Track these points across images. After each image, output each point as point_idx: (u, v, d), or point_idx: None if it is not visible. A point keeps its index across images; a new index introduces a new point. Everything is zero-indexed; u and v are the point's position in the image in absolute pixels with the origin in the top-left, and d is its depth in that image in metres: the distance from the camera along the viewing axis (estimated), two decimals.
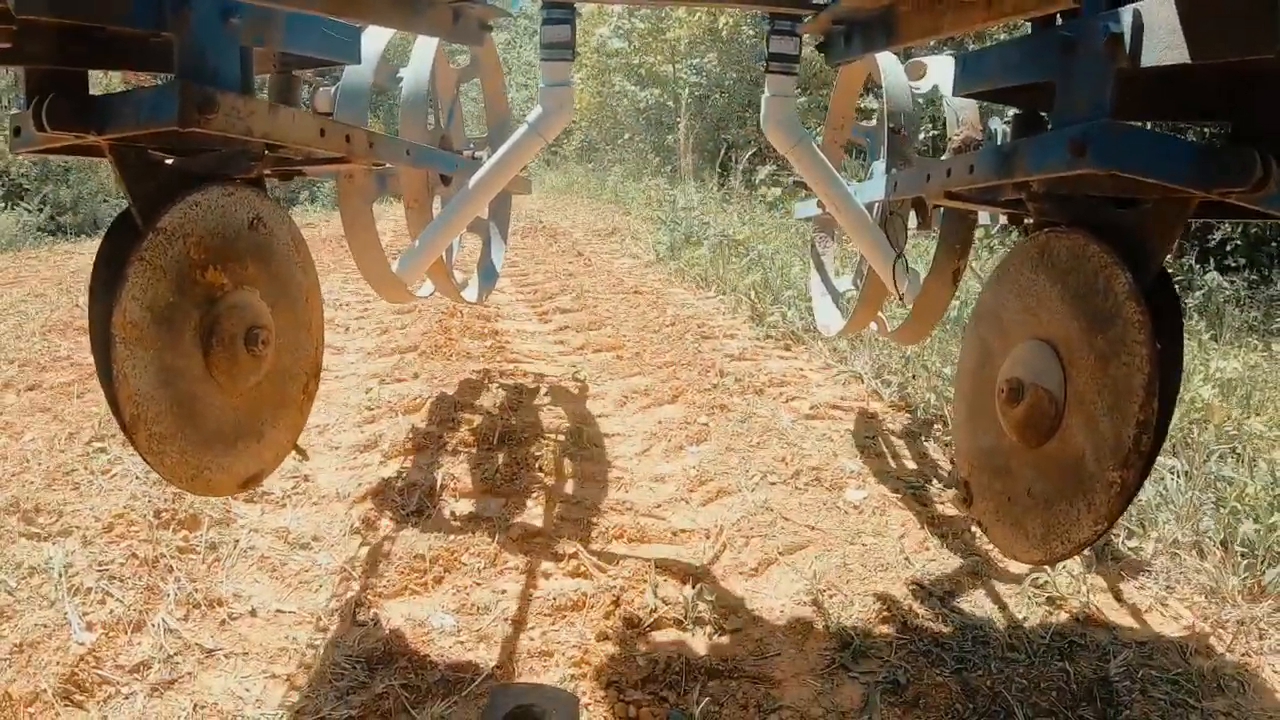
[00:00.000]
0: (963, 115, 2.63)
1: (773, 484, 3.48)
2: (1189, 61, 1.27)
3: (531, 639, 2.51)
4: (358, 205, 2.88)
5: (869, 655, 2.48)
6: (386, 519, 3.12)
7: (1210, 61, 1.24)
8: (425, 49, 3.01)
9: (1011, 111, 2.11)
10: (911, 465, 3.75)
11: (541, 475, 3.50)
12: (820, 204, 3.67)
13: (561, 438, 3.87)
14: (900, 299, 2.98)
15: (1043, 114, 1.93)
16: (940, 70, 2.98)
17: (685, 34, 14.92)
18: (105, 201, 14.88)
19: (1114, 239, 1.62)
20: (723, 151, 12.78)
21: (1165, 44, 1.28)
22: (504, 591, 2.73)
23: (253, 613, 2.59)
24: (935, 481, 3.51)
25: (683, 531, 3.14)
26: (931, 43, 4.11)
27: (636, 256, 9.39)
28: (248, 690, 2.28)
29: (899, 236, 3.00)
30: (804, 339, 5.65)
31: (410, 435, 3.74)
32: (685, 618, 2.59)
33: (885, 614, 2.65)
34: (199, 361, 1.78)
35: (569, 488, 3.45)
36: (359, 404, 4.21)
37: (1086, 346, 1.64)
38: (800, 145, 2.74)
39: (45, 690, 2.14)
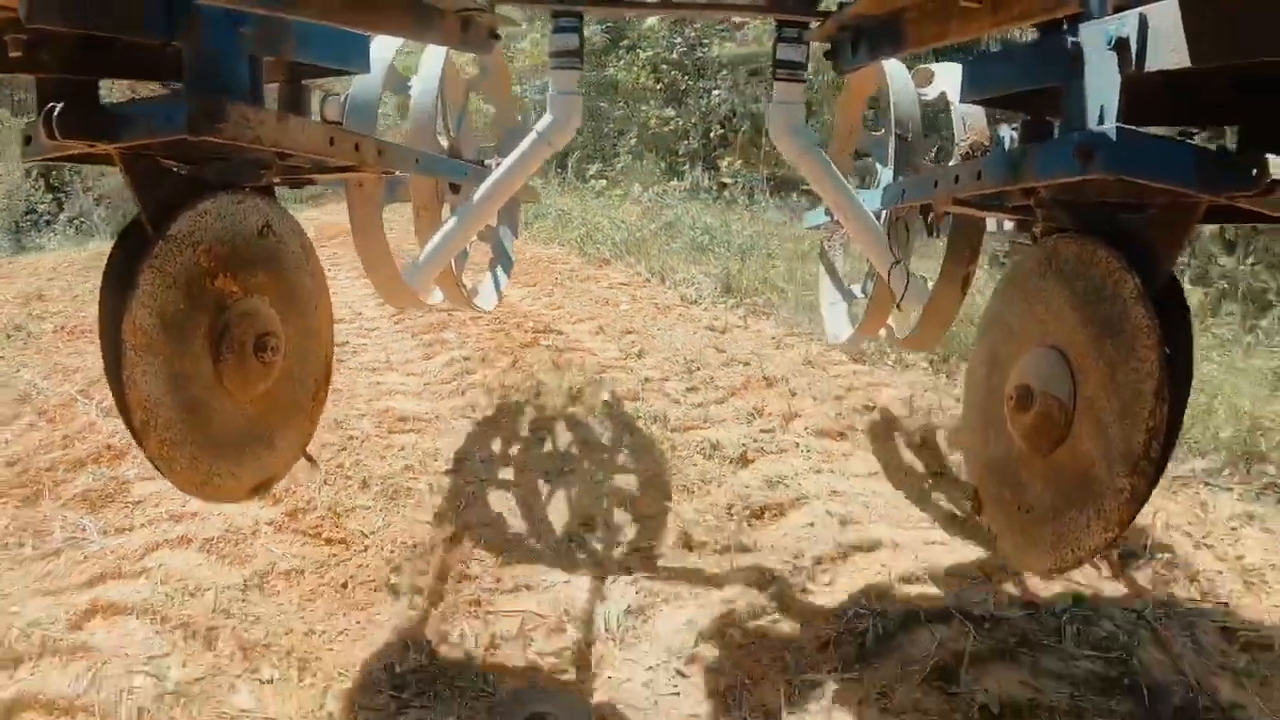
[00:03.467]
0: (969, 121, 2.63)
1: None
2: (1195, 65, 1.27)
3: None
4: (367, 213, 2.89)
5: None
6: None
7: (1217, 65, 1.24)
8: (434, 58, 3.03)
9: (1019, 117, 2.11)
10: None
11: None
12: (828, 211, 3.66)
13: None
14: (898, 306, 2.97)
15: (1050, 119, 1.93)
16: (948, 77, 2.97)
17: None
18: None
19: (1122, 244, 1.61)
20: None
21: (1171, 48, 1.28)
22: None
23: None
24: None
25: None
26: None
27: None
28: None
29: (905, 244, 2.99)
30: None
31: None
32: None
33: None
34: (209, 368, 1.79)
35: None
36: None
37: (1095, 352, 1.64)
38: (808, 153, 2.74)
39: None
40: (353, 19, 1.87)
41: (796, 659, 2.37)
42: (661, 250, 7.71)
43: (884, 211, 2.99)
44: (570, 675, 2.38)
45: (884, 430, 3.89)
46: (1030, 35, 1.80)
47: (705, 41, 10.52)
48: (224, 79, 1.65)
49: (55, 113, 1.51)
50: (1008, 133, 2.25)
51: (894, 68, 3.06)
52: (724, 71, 9.32)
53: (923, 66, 3.12)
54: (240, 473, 1.94)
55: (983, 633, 2.39)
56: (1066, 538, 1.70)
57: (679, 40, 10.58)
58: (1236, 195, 1.36)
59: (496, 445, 3.75)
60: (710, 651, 2.41)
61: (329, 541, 2.93)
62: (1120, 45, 1.36)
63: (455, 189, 3.20)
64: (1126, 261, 1.58)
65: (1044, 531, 1.77)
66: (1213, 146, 1.46)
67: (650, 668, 2.38)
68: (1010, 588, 2.63)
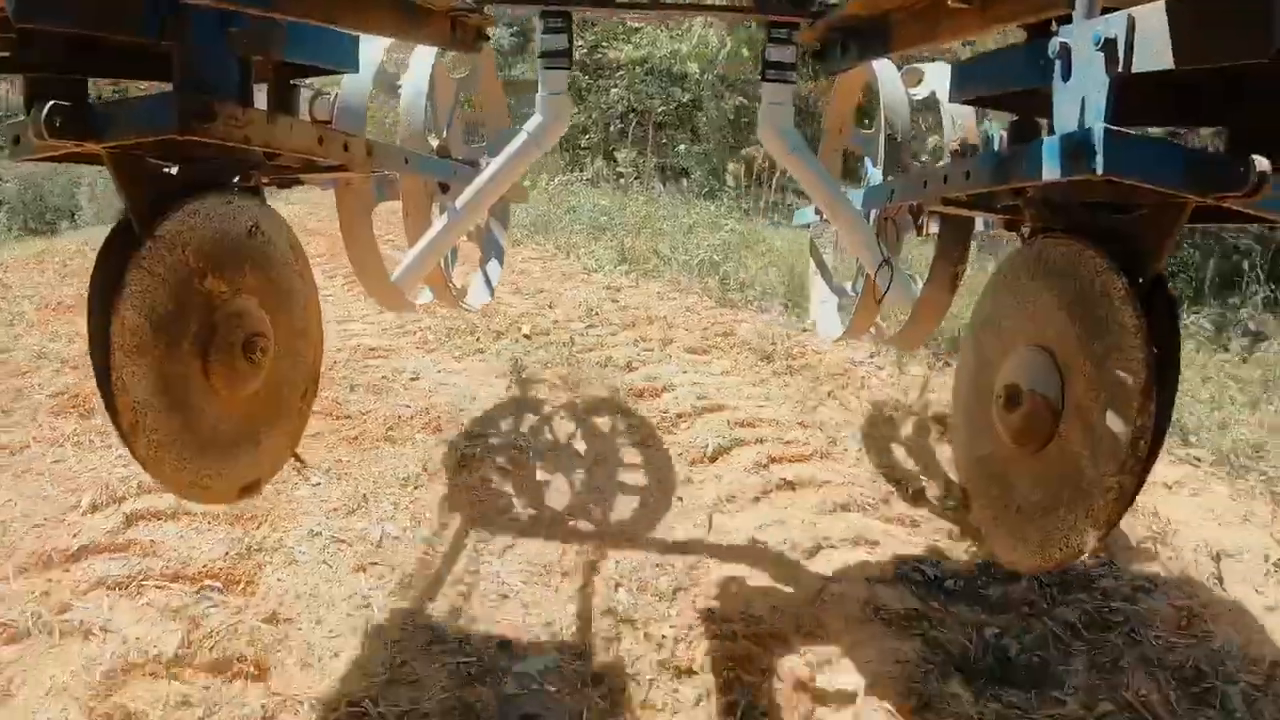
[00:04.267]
0: (959, 121, 2.64)
1: None
2: (1184, 67, 1.27)
3: None
4: (356, 212, 2.88)
5: None
6: None
7: (1205, 66, 1.25)
8: (424, 58, 3.02)
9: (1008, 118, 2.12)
10: None
11: None
12: (818, 210, 3.67)
13: None
14: (878, 301, 2.99)
15: (1039, 120, 1.93)
16: (937, 77, 2.99)
17: None
18: None
19: (1110, 244, 1.62)
20: None
21: (1160, 49, 1.29)
22: None
23: None
24: None
25: None
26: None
27: None
28: None
29: (893, 243, 3.00)
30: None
31: None
32: None
33: None
34: (197, 369, 1.78)
35: None
36: None
37: (1083, 352, 1.64)
38: (797, 153, 2.75)
39: None
40: (342, 19, 1.86)
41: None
42: (566, 230, 8.48)
43: (873, 211, 3.00)
44: None
45: (738, 344, 5.05)
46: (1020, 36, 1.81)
47: (604, 45, 10.89)
48: (213, 78, 1.64)
49: (44, 112, 1.50)
50: (996, 133, 2.26)
51: (883, 67, 3.07)
52: (621, 71, 9.55)
53: (912, 66, 3.13)
54: (229, 473, 1.93)
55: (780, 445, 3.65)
56: (1054, 536, 1.71)
57: (580, 43, 10.95)
58: (1225, 196, 1.37)
59: (446, 361, 4.87)
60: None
61: (337, 417, 3.97)
62: (1108, 46, 1.36)
63: (445, 189, 3.20)
64: (1115, 261, 1.59)
65: (1032, 530, 1.78)
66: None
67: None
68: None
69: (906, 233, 3.03)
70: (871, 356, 4.71)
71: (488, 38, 2.73)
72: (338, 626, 2.49)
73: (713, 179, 9.02)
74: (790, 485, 3.24)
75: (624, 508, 3.21)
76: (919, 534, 2.87)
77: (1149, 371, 1.48)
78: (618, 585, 2.69)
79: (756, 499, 3.18)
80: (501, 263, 4.05)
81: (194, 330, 1.76)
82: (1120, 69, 1.36)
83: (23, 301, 5.63)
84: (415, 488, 3.36)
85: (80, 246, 7.48)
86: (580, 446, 3.76)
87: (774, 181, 7.41)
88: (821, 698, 2.22)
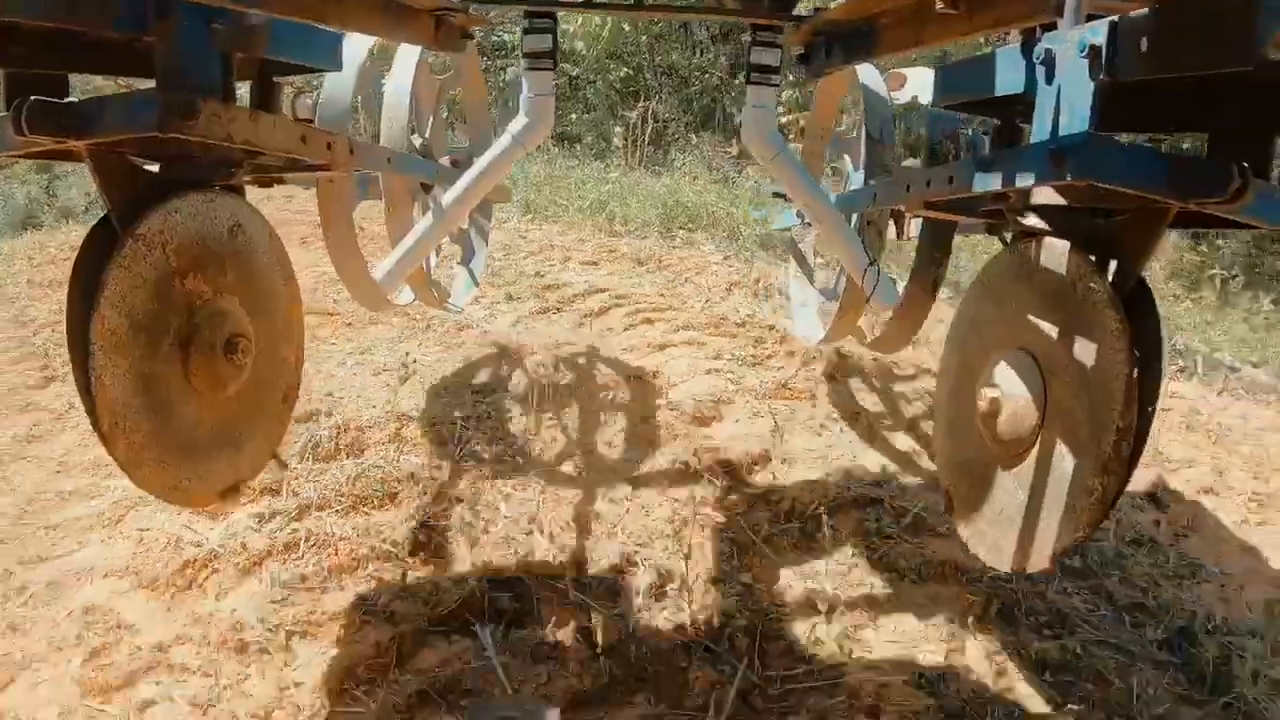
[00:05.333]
0: (941, 125, 2.64)
1: None
2: (1167, 74, 1.29)
3: None
4: (338, 211, 2.86)
5: None
6: None
7: (1188, 74, 1.26)
8: (407, 57, 3.01)
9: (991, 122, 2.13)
10: None
11: None
12: (799, 214, 3.68)
13: None
14: (866, 303, 3.00)
15: (1022, 125, 1.95)
16: (920, 81, 3.00)
17: None
18: None
19: (1092, 249, 1.63)
20: None
21: (1144, 56, 1.30)
22: None
23: None
24: None
25: None
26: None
27: None
28: None
29: (875, 246, 3.01)
30: None
31: None
32: None
33: None
34: (178, 370, 1.76)
35: None
36: None
37: (1066, 355, 1.66)
38: (780, 156, 2.75)
39: None
40: (325, 17, 1.85)
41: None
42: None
43: (855, 214, 3.01)
44: None
45: (620, 257, 5.72)
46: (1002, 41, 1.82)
47: (499, 29, 11.15)
48: (196, 76, 1.63)
49: (24, 107, 1.48)
50: (979, 138, 2.27)
51: (867, 71, 3.08)
52: (515, 52, 9.86)
53: (895, 70, 3.14)
54: (209, 476, 1.91)
55: (645, 307, 4.79)
56: (1037, 538, 1.72)
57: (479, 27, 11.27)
58: (1206, 201, 1.38)
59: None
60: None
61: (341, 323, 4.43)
62: (1093, 52, 1.38)
63: (428, 189, 3.18)
64: (1097, 265, 1.61)
65: (1014, 532, 1.79)
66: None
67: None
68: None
69: (887, 235, 3.05)
70: (726, 259, 5.76)
71: (472, 37, 2.71)
72: None
73: (601, 141, 9.31)
74: (649, 321, 4.56)
75: (544, 334, 4.36)
76: (734, 342, 4.30)
77: (1132, 374, 1.50)
78: (559, 363, 3.98)
79: (626, 329, 4.48)
80: (484, 261, 4.04)
81: (175, 330, 1.75)
82: (1104, 75, 1.37)
83: None
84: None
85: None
86: (510, 319, 4.62)
87: (645, 139, 8.60)
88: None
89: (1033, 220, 1.81)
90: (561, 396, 3.59)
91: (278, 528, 2.65)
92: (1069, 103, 1.47)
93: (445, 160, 3.30)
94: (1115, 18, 1.36)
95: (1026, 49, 1.62)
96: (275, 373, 2.10)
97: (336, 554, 2.56)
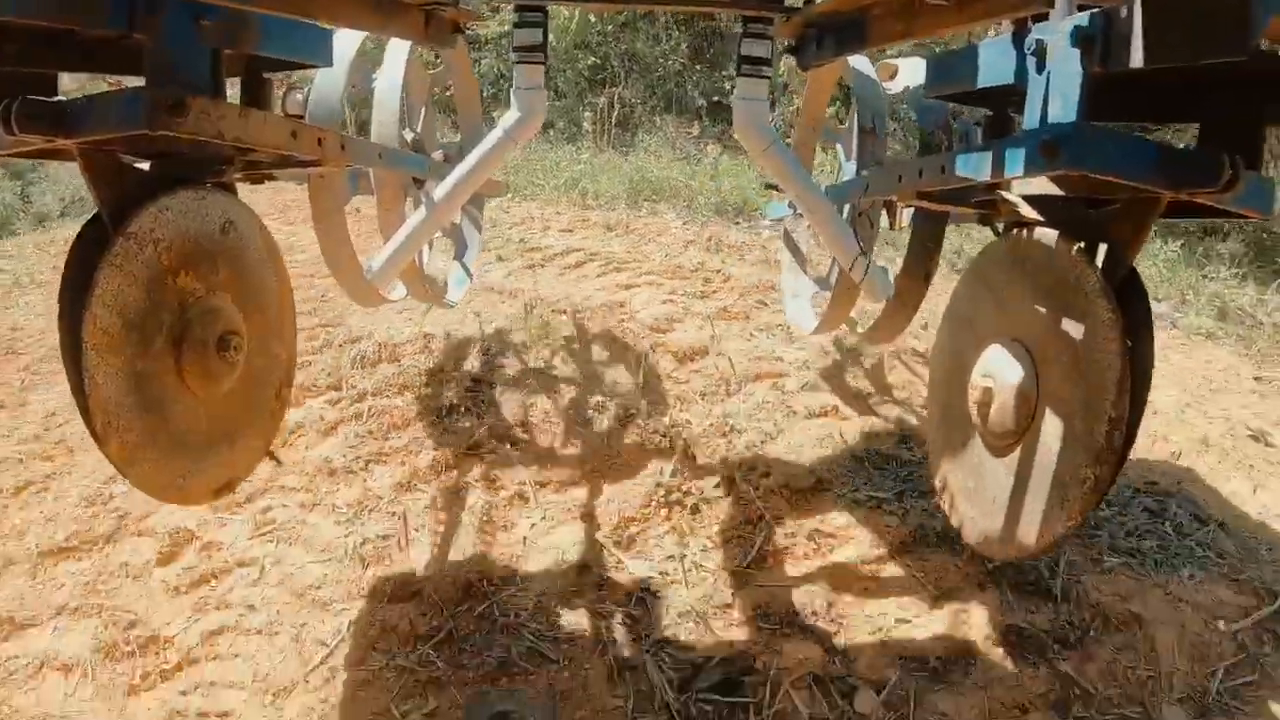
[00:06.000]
0: (932, 115, 2.64)
1: None
2: (1159, 65, 1.29)
3: None
4: (330, 206, 2.86)
5: None
6: None
7: (1180, 64, 1.26)
8: (398, 52, 2.99)
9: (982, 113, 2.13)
10: None
11: None
12: (791, 205, 3.68)
13: None
14: (856, 294, 3.01)
15: (1014, 115, 1.95)
16: (911, 71, 3.00)
17: None
18: None
19: (1084, 238, 1.64)
20: None
21: (1135, 47, 1.30)
22: None
23: None
24: None
25: None
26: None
27: None
28: None
29: (868, 237, 3.02)
30: None
31: None
32: None
33: None
34: (171, 368, 1.76)
35: None
36: None
37: (1058, 345, 1.67)
38: (772, 148, 2.74)
39: None
40: (314, 12, 1.84)
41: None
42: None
43: (848, 205, 3.01)
44: None
45: (592, 224, 6.36)
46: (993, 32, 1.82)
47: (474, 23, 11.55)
48: (185, 72, 1.62)
49: (13, 107, 1.47)
50: (971, 128, 2.27)
51: (858, 61, 3.08)
52: (489, 45, 10.07)
53: (886, 60, 3.14)
54: (203, 473, 1.91)
55: (614, 262, 5.45)
56: (1029, 526, 1.73)
57: None
58: (1198, 191, 1.39)
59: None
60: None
61: None
62: (1085, 43, 1.38)
63: (420, 183, 3.17)
64: (1089, 255, 1.61)
65: (1007, 521, 1.80)
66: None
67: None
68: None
69: (878, 226, 3.05)
70: (685, 224, 6.42)
71: (463, 31, 2.70)
72: None
73: (573, 126, 9.67)
74: (618, 270, 5.23)
75: (531, 280, 5.01)
76: (686, 283, 5.02)
77: (1124, 364, 1.51)
78: (545, 299, 4.70)
79: (599, 276, 5.15)
80: (477, 255, 4.03)
81: (167, 328, 1.74)
82: (1096, 66, 1.38)
83: None
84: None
85: None
86: (502, 273, 5.18)
87: (613, 122, 9.25)
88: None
89: (1024, 210, 1.81)
90: (552, 319, 4.43)
91: (345, 406, 3.61)
92: (1060, 93, 1.48)
93: (437, 155, 3.29)
94: (1107, 8, 1.37)
95: (1018, 39, 1.62)
96: (268, 369, 2.10)
97: (392, 417, 3.52)
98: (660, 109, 10.00)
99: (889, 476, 3.27)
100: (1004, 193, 1.86)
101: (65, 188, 8.79)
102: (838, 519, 3.03)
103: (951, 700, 2.33)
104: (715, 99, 9.89)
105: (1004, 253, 1.88)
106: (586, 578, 2.78)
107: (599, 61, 10.22)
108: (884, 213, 3.01)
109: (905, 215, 2.92)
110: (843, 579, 2.75)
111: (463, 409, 3.62)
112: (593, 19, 9.97)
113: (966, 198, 2.12)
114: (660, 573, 2.79)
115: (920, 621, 2.58)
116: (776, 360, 4.08)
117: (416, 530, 2.95)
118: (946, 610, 2.60)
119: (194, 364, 1.79)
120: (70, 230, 6.76)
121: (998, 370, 1.80)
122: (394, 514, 3.00)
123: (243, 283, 1.97)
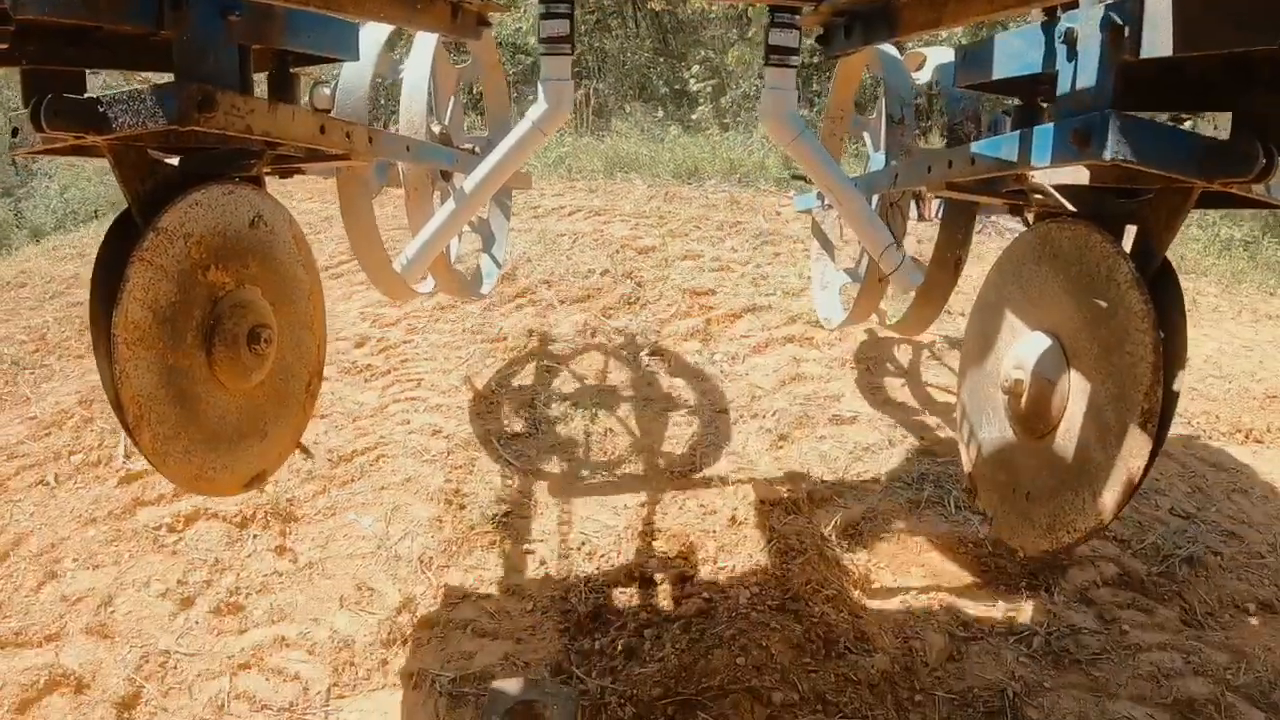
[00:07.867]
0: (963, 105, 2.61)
1: None
2: (1191, 52, 1.26)
3: None
4: (358, 200, 2.88)
5: None
6: None
7: (1212, 52, 1.24)
8: (425, 45, 3.01)
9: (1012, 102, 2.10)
10: None
11: None
12: (820, 195, 3.66)
13: None
14: (881, 283, 2.98)
15: (1044, 104, 1.92)
16: (940, 61, 2.96)
17: None
18: None
19: (1116, 229, 1.61)
20: None
21: (1167, 35, 1.28)
22: None
23: None
24: None
25: None
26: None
27: None
28: None
29: (898, 227, 2.99)
30: None
31: None
32: None
33: None
34: (202, 361, 1.78)
35: None
36: None
37: (1090, 337, 1.64)
38: (801, 138, 2.72)
39: None
40: (341, 6, 1.85)
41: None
42: None
43: (876, 195, 2.99)
44: None
45: (576, 190, 7.89)
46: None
47: None
48: (213, 68, 1.63)
49: (43, 104, 1.49)
50: (1000, 117, 2.24)
51: (886, 51, 3.05)
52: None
53: (914, 50, 3.11)
54: (234, 466, 1.93)
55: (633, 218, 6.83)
56: (1062, 520, 1.71)
57: None
58: (1232, 180, 1.36)
59: None
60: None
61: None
62: (1115, 31, 1.35)
63: (447, 176, 3.18)
64: (1121, 246, 1.59)
65: (1039, 514, 1.78)
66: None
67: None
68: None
69: (909, 216, 3.02)
70: (648, 186, 7.79)
71: (489, 24, 2.71)
72: None
73: None
74: (598, 214, 6.78)
75: (537, 226, 6.50)
76: (647, 220, 6.64)
77: (1157, 355, 1.48)
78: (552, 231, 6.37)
79: (585, 220, 6.65)
80: (506, 247, 4.04)
81: (198, 322, 1.76)
82: (1127, 54, 1.35)
83: None
84: None
85: None
86: (516, 223, 6.24)
87: (590, 111, 10.68)
88: None
89: (1055, 200, 1.79)
90: (554, 239, 6.07)
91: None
92: (1091, 81, 1.45)
93: (465, 147, 3.30)
94: None
95: (1048, 28, 1.59)
96: (299, 361, 2.11)
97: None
98: (630, 97, 11.71)
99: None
100: (1034, 181, 1.83)
101: (57, 204, 9.31)
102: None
103: None
104: (677, 87, 11.49)
105: (1034, 244, 1.85)
106: None
107: (575, 59, 11.06)
108: (913, 203, 2.99)
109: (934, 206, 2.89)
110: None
111: (506, 327, 4.98)
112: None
113: (997, 188, 2.09)
114: None
115: None
116: (700, 255, 5.85)
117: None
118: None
119: (224, 357, 1.81)
120: (73, 234, 7.67)
121: (1029, 362, 1.78)
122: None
123: (273, 276, 1.98)
